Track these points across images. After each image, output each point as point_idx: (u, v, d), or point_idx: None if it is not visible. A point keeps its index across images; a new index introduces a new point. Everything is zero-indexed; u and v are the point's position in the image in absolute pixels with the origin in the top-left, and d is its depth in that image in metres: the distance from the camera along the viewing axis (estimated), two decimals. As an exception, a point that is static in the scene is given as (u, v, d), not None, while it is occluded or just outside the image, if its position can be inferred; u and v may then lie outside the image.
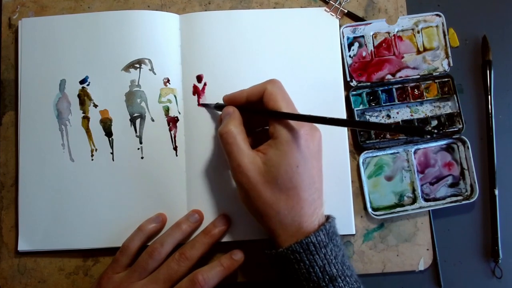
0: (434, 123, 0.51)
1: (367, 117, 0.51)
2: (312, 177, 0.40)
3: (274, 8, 0.51)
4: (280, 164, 0.39)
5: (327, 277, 0.38)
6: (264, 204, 0.40)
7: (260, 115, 0.43)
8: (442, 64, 0.51)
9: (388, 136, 0.50)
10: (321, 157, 0.42)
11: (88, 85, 0.49)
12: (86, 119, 0.49)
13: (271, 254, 0.40)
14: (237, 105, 0.43)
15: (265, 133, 0.42)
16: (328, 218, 0.42)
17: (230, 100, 0.44)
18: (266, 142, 0.41)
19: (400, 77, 0.50)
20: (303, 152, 0.40)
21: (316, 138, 0.41)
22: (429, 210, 0.50)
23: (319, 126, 0.42)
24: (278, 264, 0.41)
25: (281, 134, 0.39)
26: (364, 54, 0.51)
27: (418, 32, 0.51)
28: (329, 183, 0.47)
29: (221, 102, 0.48)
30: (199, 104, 0.49)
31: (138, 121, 0.49)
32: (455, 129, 0.50)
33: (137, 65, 0.49)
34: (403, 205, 0.50)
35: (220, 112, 0.47)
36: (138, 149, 0.48)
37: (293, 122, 0.40)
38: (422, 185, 0.50)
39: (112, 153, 0.48)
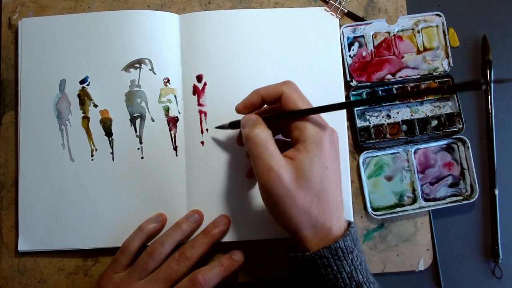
0: (434, 123, 0.51)
1: (367, 117, 0.51)
2: (337, 178, 0.40)
3: (274, 7, 0.51)
4: (313, 166, 0.38)
5: (354, 283, 0.37)
6: (298, 210, 0.38)
7: (283, 119, 0.40)
8: (442, 64, 0.51)
9: (388, 136, 0.50)
10: (340, 159, 0.41)
11: (88, 85, 0.49)
12: (86, 119, 0.49)
13: (297, 258, 0.39)
14: (253, 110, 0.42)
15: (279, 142, 0.41)
16: (350, 223, 0.41)
17: (245, 106, 0.42)
18: (288, 149, 0.40)
19: (400, 77, 0.50)
20: (330, 154, 0.39)
21: (336, 139, 0.41)
22: (429, 210, 0.50)
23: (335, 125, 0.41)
24: (303, 268, 0.39)
25: (309, 136, 0.38)
26: (364, 54, 0.51)
27: (418, 32, 0.51)
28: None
29: (222, 102, 0.48)
30: (199, 103, 0.49)
31: (138, 121, 0.49)
32: (455, 129, 0.50)
33: (137, 65, 0.49)
34: (403, 205, 0.50)
35: (235, 130, 0.46)
36: (138, 149, 0.48)
37: (318, 124, 0.39)
38: (422, 185, 0.50)
39: (112, 153, 0.48)
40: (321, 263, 0.38)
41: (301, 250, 0.39)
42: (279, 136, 0.44)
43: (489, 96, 0.52)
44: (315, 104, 0.49)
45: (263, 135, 0.38)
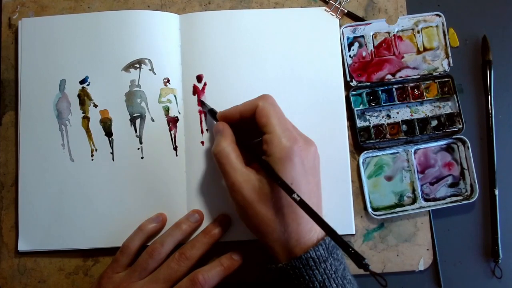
0: (434, 123, 0.51)
1: (367, 117, 0.51)
2: (307, 193, 0.40)
3: (274, 8, 0.51)
4: (273, 182, 0.39)
5: None
6: (260, 222, 0.40)
7: (261, 165, 0.40)
8: (442, 64, 0.51)
9: (388, 136, 0.50)
10: (318, 171, 0.42)
11: (88, 85, 0.49)
12: (86, 119, 0.49)
13: (272, 269, 0.40)
14: (231, 123, 0.43)
15: (259, 145, 0.42)
16: None
17: (224, 118, 0.44)
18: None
19: (400, 77, 0.50)
20: (297, 169, 0.39)
21: (311, 153, 0.41)
22: (429, 210, 0.50)
23: (314, 137, 0.42)
24: (280, 279, 0.40)
25: (274, 152, 0.39)
26: (364, 54, 0.51)
27: (418, 32, 0.51)
28: (329, 183, 0.47)
29: (222, 102, 0.48)
30: (198, 102, 0.49)
31: (138, 121, 0.49)
32: (455, 129, 0.50)
33: (137, 65, 0.49)
34: (403, 205, 0.50)
35: (212, 120, 0.46)
36: (138, 149, 0.48)
37: (286, 139, 0.39)
38: (422, 185, 0.50)
39: (112, 153, 0.48)
40: (293, 274, 0.38)
41: (274, 261, 0.40)
42: None
43: (489, 96, 0.52)
44: (313, 104, 0.49)
45: (226, 151, 0.41)
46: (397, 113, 0.51)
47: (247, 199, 0.40)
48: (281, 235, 0.39)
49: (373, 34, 0.51)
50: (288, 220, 0.39)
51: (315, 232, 0.40)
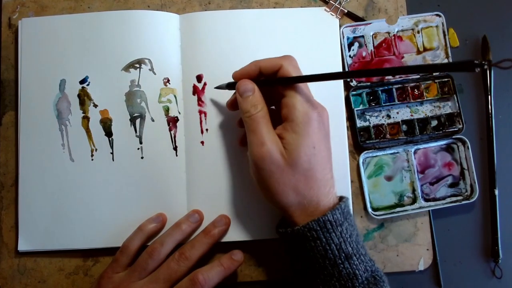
0: (434, 123, 0.51)
1: (367, 117, 0.51)
2: (325, 157, 0.41)
3: (274, 8, 0.51)
4: (299, 146, 0.39)
5: (343, 254, 0.39)
6: (285, 186, 0.40)
7: (277, 84, 0.41)
8: (442, 64, 0.51)
9: (388, 136, 0.50)
10: (330, 137, 0.43)
11: (88, 85, 0.49)
12: (86, 119, 0.49)
13: (287, 232, 0.41)
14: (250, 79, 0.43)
15: (272, 113, 0.42)
16: (341, 198, 0.42)
17: (242, 75, 0.43)
18: (279, 125, 0.41)
19: (400, 77, 0.50)
20: (317, 133, 0.40)
21: (325, 119, 0.42)
22: (429, 210, 0.50)
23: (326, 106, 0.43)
24: (293, 243, 0.41)
25: (296, 117, 0.40)
26: (364, 54, 0.51)
27: (418, 32, 0.51)
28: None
29: (222, 102, 0.48)
30: (199, 102, 0.49)
31: (138, 121, 0.48)
32: (455, 129, 0.50)
33: (137, 65, 0.49)
34: (403, 205, 0.50)
35: (232, 91, 0.45)
36: (138, 149, 0.48)
37: (305, 106, 0.40)
38: (422, 185, 0.50)
39: (112, 153, 0.48)
40: (310, 236, 0.39)
41: (291, 225, 0.41)
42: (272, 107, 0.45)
43: (489, 96, 0.52)
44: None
45: (262, 113, 0.41)
46: (397, 113, 0.51)
47: (276, 162, 0.39)
48: (302, 199, 0.40)
49: (373, 34, 0.51)
50: (310, 183, 0.40)
51: (331, 196, 0.41)
